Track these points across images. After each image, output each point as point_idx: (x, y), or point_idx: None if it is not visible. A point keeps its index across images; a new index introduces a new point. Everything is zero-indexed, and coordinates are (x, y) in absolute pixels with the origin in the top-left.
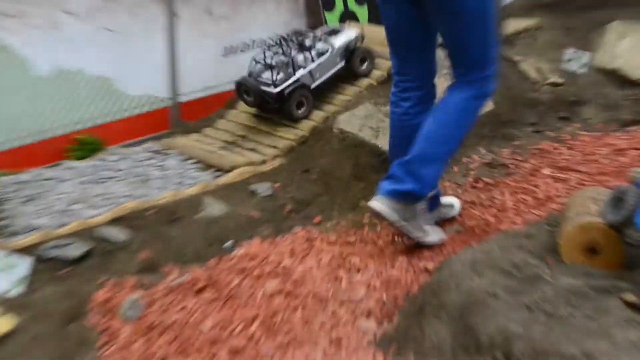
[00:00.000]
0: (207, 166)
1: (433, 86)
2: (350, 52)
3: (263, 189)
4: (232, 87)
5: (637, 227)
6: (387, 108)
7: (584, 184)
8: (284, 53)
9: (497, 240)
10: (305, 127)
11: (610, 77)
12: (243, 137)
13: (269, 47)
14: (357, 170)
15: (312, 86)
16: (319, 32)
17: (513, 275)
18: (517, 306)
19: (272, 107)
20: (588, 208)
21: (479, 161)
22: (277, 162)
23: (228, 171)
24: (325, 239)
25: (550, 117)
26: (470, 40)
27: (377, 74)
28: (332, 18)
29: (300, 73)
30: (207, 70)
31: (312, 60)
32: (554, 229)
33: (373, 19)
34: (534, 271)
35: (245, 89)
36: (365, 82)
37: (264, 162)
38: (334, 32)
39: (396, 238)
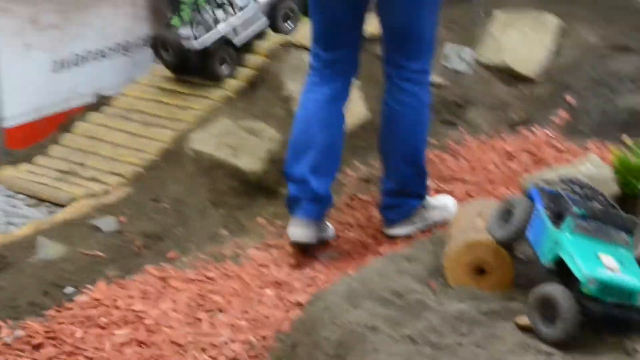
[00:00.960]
0: (39, 201)
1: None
2: (273, 9)
3: (107, 223)
4: (67, 107)
5: (529, 242)
6: (248, 123)
7: (470, 196)
8: (199, 11)
9: (375, 266)
10: (153, 149)
11: (496, 74)
12: (81, 164)
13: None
14: (215, 196)
15: (237, 43)
16: None
17: (394, 304)
18: (399, 339)
19: (194, 66)
20: (474, 224)
21: (353, 176)
22: (122, 192)
23: (65, 206)
24: (182, 277)
25: (433, 122)
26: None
27: (234, 84)
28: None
29: (223, 27)
30: (36, 89)
31: (234, 15)
32: (438, 249)
33: None
34: (417, 298)
35: (163, 45)
36: (220, 93)
37: (106, 192)
38: None
39: (263, 269)
